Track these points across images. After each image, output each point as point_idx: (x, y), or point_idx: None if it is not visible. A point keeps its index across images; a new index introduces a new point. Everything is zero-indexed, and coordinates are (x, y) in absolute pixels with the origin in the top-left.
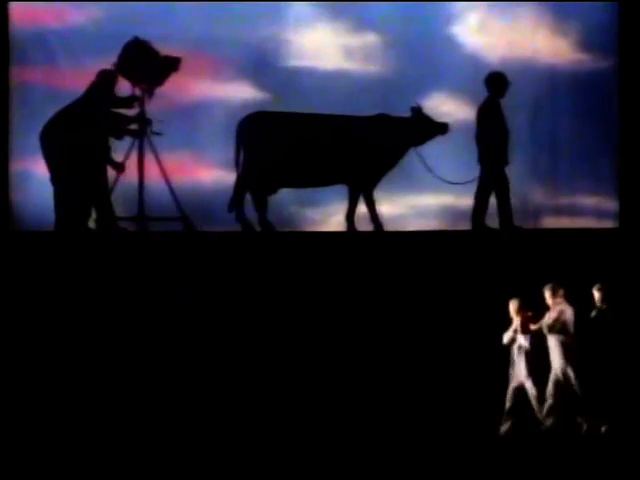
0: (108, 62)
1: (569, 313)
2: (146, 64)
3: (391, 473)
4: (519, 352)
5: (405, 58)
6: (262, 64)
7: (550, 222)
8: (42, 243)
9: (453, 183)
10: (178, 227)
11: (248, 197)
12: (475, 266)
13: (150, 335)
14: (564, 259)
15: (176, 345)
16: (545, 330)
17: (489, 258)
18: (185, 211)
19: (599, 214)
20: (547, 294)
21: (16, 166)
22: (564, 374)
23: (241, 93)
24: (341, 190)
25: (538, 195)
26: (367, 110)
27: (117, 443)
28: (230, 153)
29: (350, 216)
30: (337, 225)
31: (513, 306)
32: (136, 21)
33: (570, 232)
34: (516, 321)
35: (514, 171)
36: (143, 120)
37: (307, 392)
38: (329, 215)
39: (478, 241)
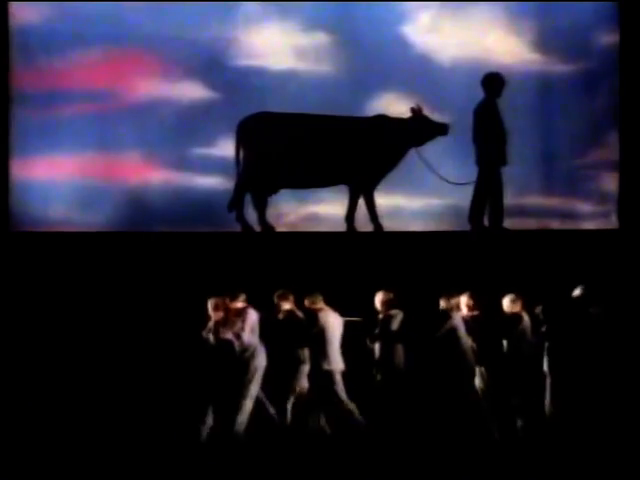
0: (59, 61)
1: (253, 318)
2: None
3: None
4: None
5: (356, 58)
6: (212, 63)
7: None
8: (42, 243)
9: (456, 183)
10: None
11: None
12: (474, 266)
13: (149, 335)
14: (561, 260)
15: (174, 345)
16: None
17: (488, 259)
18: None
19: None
20: (227, 299)
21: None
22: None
23: (190, 93)
24: (293, 191)
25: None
26: (317, 110)
27: (116, 442)
28: (178, 153)
29: (350, 216)
30: (289, 226)
31: (210, 305)
32: (86, 20)
33: (568, 233)
34: (212, 319)
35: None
36: None
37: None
38: (280, 215)
39: (477, 242)
